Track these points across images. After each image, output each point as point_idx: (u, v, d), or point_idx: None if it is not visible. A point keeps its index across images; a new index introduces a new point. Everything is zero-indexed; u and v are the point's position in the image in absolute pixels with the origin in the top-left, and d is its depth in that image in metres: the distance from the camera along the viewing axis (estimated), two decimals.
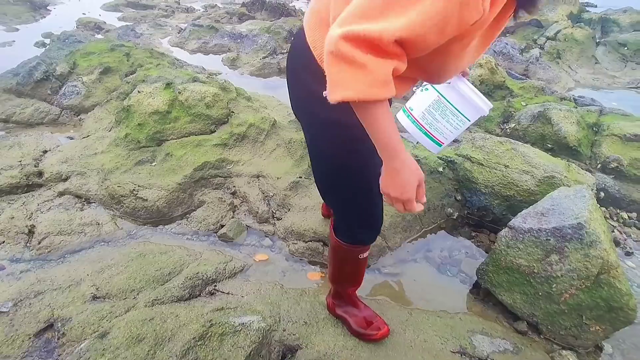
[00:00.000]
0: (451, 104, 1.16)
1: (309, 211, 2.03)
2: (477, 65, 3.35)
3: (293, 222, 1.98)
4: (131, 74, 3.25)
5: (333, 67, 0.71)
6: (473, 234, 2.15)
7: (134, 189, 2.06)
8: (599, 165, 2.45)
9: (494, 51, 5.42)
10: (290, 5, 8.33)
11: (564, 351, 1.48)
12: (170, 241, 1.91)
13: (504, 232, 1.65)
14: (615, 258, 1.47)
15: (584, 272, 1.45)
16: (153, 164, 2.24)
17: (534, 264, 1.55)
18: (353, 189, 1.12)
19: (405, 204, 0.85)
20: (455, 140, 2.93)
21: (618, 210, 2.31)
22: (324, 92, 0.76)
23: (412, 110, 1.23)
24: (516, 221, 1.66)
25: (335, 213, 1.26)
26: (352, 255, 1.28)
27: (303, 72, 1.04)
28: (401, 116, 1.26)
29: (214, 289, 1.62)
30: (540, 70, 5.09)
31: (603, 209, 2.31)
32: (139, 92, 2.54)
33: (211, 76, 3.39)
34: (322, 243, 1.89)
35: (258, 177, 2.29)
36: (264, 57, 4.77)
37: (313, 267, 1.84)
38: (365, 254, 1.30)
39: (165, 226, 2.02)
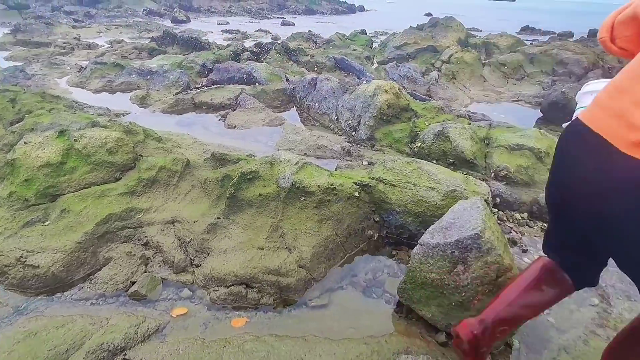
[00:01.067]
0: None
1: (229, 253, 1.96)
2: (382, 91, 3.61)
3: (213, 268, 1.88)
4: (17, 122, 2.91)
5: None
6: (394, 252, 2.25)
7: (21, 256, 1.80)
8: (492, 174, 2.76)
9: (400, 75, 5.93)
10: (204, 38, 8.27)
11: None
12: (70, 310, 1.69)
13: (416, 249, 1.75)
14: (509, 261, 1.63)
15: (486, 278, 1.59)
16: (46, 223, 1.99)
17: (444, 276, 1.66)
18: None
19: None
20: (370, 163, 3.11)
21: (512, 213, 2.60)
22: None
23: None
24: (425, 237, 1.77)
25: None
26: None
27: None
28: None
29: (124, 359, 1.46)
30: (440, 90, 5.67)
31: (500, 212, 2.58)
32: (25, 143, 2.27)
33: (116, 117, 3.18)
34: (244, 286, 1.83)
35: (173, 222, 2.16)
36: (177, 93, 4.62)
37: (237, 312, 1.76)
38: None
39: (64, 293, 1.78)
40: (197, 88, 4.85)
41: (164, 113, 4.22)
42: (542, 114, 5.20)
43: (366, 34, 10.16)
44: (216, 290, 1.81)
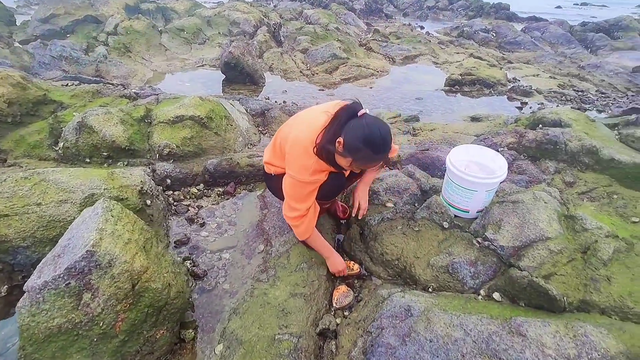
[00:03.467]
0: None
1: None
2: None
3: None
4: None
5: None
6: None
7: None
8: (157, 155, 2.55)
9: (53, 57, 4.74)
10: None
11: None
12: None
13: (20, 301, 1.31)
14: (143, 260, 1.45)
15: (120, 293, 1.35)
16: None
17: (72, 315, 1.31)
18: None
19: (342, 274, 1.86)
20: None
21: (188, 188, 2.52)
22: None
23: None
24: (32, 280, 1.34)
25: None
26: None
27: None
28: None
29: None
30: (114, 68, 4.96)
31: (175, 192, 2.44)
32: None
33: None
34: None
35: None
36: None
37: None
38: None
39: None
40: None
41: None
42: (224, 76, 5.46)
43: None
44: None
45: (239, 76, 5.24)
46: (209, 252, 2.06)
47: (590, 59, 7.64)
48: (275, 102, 4.43)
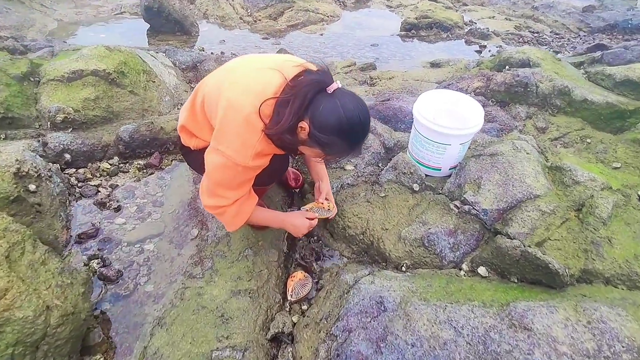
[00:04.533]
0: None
1: None
2: None
3: None
4: None
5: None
6: None
7: None
8: (49, 123, 1.96)
9: None
10: None
11: None
12: None
13: None
14: (6, 280, 0.99)
15: None
16: None
17: None
18: None
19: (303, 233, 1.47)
20: None
21: (97, 164, 1.99)
22: None
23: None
24: None
25: None
26: None
27: None
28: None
29: None
30: (1, 17, 3.97)
31: (78, 171, 1.91)
32: None
33: None
34: None
35: None
36: None
37: None
38: None
39: None
40: None
41: None
42: (148, 25, 4.62)
43: None
44: None
45: (166, 24, 4.44)
46: (125, 244, 1.61)
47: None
48: (212, 53, 3.78)
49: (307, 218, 1.43)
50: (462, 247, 1.40)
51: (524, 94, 2.48)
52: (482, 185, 1.52)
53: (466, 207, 1.46)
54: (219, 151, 1.14)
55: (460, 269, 1.37)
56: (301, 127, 1.09)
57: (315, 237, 1.70)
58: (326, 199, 1.57)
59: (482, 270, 1.31)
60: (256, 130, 1.11)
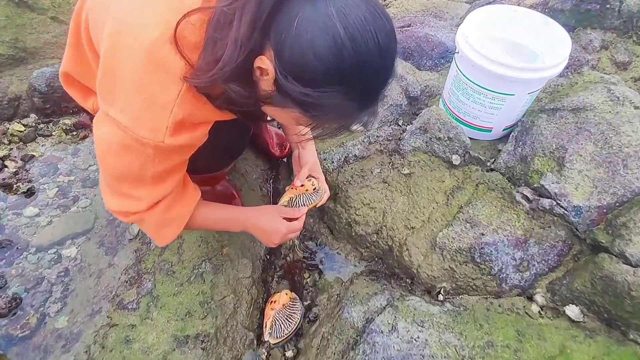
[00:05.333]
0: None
1: None
2: None
3: None
4: None
5: None
6: None
7: None
8: None
9: None
10: None
11: None
12: None
13: None
14: None
15: None
16: None
17: None
18: None
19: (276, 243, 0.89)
20: None
21: (7, 126, 1.42)
22: None
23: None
24: None
25: None
26: None
27: None
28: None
29: None
30: None
31: None
32: None
33: None
34: None
35: None
36: None
37: None
38: None
39: None
40: None
41: None
42: None
43: None
44: None
45: None
46: (34, 250, 1.12)
47: None
48: None
49: (285, 218, 0.90)
50: (534, 266, 0.89)
51: (600, 13, 1.77)
52: (566, 163, 0.96)
53: (546, 203, 0.91)
54: (110, 119, 0.59)
55: (532, 300, 0.88)
56: (259, 67, 0.52)
57: (307, 234, 1.19)
58: (311, 176, 1.02)
59: (572, 311, 0.81)
60: (171, 77, 0.56)
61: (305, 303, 1.04)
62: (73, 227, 1.19)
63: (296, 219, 0.90)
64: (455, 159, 1.13)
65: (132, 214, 0.71)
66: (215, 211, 0.86)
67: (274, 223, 0.88)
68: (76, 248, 1.14)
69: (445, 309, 0.87)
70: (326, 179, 1.15)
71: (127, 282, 1.02)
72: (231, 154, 0.96)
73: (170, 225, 0.75)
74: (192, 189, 0.78)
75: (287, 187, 0.99)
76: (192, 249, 1.05)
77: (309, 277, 1.10)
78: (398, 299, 0.92)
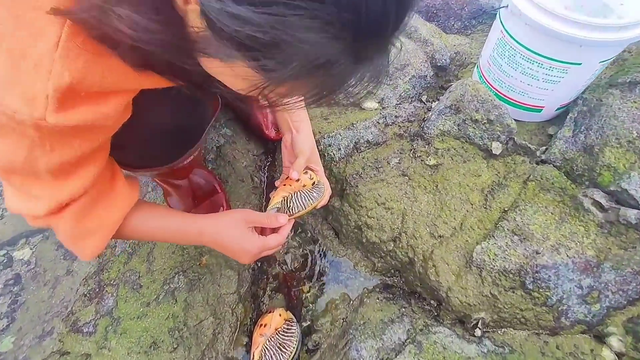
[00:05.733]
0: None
1: None
2: None
3: None
4: None
5: None
6: None
7: None
8: None
9: None
10: None
11: None
12: None
13: None
14: None
15: None
16: None
17: None
18: None
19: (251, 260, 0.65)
20: None
21: None
22: None
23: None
24: None
25: None
26: None
27: None
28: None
29: None
30: None
31: None
32: None
33: None
34: None
35: None
36: None
37: None
38: None
39: None
40: None
41: None
42: None
43: None
44: None
45: None
46: None
47: None
48: None
49: (260, 229, 0.68)
50: (607, 297, 0.67)
51: None
52: None
53: (632, 215, 0.67)
54: None
55: (603, 341, 0.66)
56: None
57: (310, 235, 0.98)
58: (309, 167, 0.78)
59: None
60: (44, 13, 0.33)
61: (304, 324, 0.85)
62: (27, 224, 0.99)
63: (277, 229, 0.67)
64: (496, 147, 0.88)
65: (37, 217, 0.50)
66: (159, 220, 0.62)
67: (239, 240, 0.64)
68: (30, 249, 0.95)
69: (486, 350, 0.67)
70: (331, 170, 0.92)
71: (85, 295, 0.83)
72: (186, 139, 0.71)
73: (89, 237, 0.54)
74: (124, 187, 0.56)
75: (277, 182, 0.76)
76: (164, 256, 0.85)
77: (308, 291, 0.90)
78: (422, 330, 0.72)
